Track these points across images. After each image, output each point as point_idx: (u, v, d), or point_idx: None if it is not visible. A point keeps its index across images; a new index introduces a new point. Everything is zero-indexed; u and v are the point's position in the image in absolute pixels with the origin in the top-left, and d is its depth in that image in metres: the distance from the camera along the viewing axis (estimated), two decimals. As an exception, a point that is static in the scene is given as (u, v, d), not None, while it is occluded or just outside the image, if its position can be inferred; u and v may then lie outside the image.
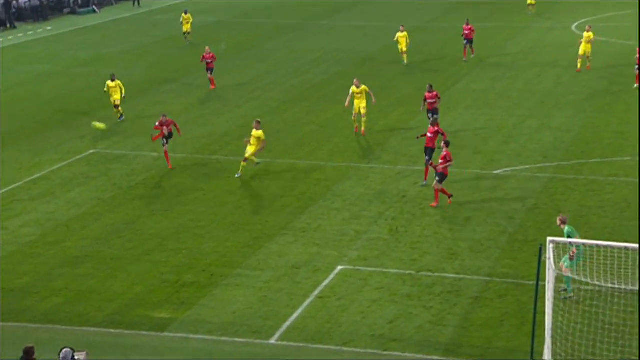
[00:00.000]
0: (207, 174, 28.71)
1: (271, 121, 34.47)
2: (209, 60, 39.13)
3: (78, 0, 65.52)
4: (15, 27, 57.81)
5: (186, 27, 50.16)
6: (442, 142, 25.42)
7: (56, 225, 24.89)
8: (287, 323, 19.20)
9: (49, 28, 58.33)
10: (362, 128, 32.13)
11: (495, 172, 28.17)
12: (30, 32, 56.67)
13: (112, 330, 19.11)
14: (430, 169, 26.12)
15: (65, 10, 64.22)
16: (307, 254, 22.55)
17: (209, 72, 39.43)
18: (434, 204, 25.16)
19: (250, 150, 27.90)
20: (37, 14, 61.18)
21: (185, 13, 50.52)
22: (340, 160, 29.76)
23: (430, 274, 21.35)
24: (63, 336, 18.70)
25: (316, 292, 20.51)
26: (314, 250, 22.79)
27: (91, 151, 31.44)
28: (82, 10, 64.50)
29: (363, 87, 31.82)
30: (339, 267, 21.79)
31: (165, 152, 29.00)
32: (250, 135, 28.15)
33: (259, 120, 28.32)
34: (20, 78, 43.69)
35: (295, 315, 19.48)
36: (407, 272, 21.46)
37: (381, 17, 57.71)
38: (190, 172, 28.83)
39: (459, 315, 19.36)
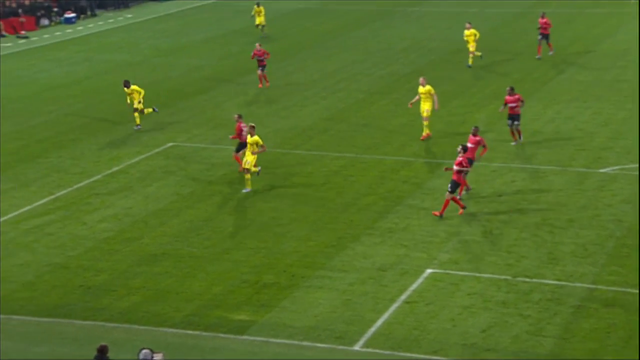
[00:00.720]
0: (289, 169, 28.47)
1: (357, 114, 34.08)
2: (261, 57, 37.91)
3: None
4: (95, 15, 58.59)
5: (259, 20, 49.41)
6: (460, 147, 24.19)
7: (134, 220, 24.95)
8: (372, 329, 18.80)
9: (129, 16, 58.97)
10: (423, 133, 30.41)
11: (601, 170, 27.26)
12: (110, 20, 57.37)
13: (190, 332, 19.01)
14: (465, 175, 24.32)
15: (148, -3, 64.81)
16: (394, 256, 22.10)
17: (261, 69, 38.12)
18: (438, 212, 23.92)
19: (249, 159, 26.24)
20: (118, 1, 61.88)
21: (257, 5, 49.71)
22: (431, 156, 29.20)
23: (527, 279, 20.68)
24: (140, 336, 18.68)
25: (403, 297, 20.07)
26: (402, 251, 22.33)
27: (170, 144, 31.51)
28: (162, -4, 64.98)
29: (428, 87, 30.09)
30: (428, 271, 21.29)
31: (236, 157, 27.97)
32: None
33: (253, 125, 26.67)
34: (100, 67, 44.19)
35: (381, 321, 19.07)
36: (502, 277, 20.83)
37: (476, 2, 56.73)
38: (271, 166, 28.63)
39: (560, 325, 18.68)
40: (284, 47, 46.38)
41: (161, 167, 28.99)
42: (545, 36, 41.01)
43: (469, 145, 25.08)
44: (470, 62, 40.41)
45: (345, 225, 24.05)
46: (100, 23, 56.60)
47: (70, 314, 19.84)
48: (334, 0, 61.02)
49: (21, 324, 19.51)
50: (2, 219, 25.02)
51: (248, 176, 26.46)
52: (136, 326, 19.24)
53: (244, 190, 26.42)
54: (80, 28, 54.72)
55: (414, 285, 20.56)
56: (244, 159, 26.43)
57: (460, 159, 24.04)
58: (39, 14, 55.36)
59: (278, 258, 22.32)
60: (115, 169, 28.92)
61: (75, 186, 27.57)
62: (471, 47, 40.23)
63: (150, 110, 33.08)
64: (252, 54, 38.24)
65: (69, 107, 36.71)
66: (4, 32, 51.74)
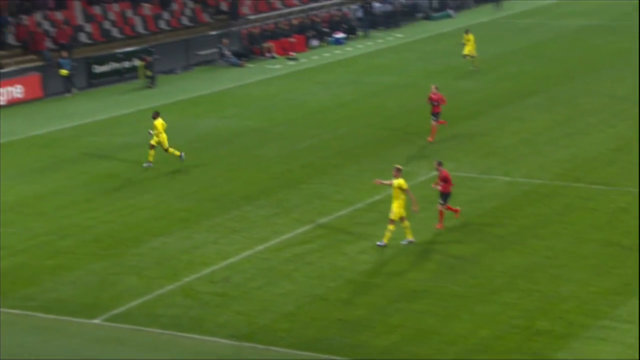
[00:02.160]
0: (568, 205, 27.23)
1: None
2: (436, 103, 33.93)
3: (433, 4, 66.15)
4: (365, 35, 59.43)
5: (467, 49, 46.84)
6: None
7: (395, 253, 24.64)
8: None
9: (399, 35, 59.36)
10: None
11: None
12: (380, 40, 58.00)
13: (453, 379, 18.35)
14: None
15: (418, 15, 65.03)
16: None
17: (434, 117, 34.05)
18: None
19: (395, 210, 24.62)
20: (388, 20, 62.40)
21: (467, 33, 47.18)
22: None
23: None
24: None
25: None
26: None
27: (435, 172, 30.99)
28: (436, 15, 65.00)
29: None
30: None
31: (440, 211, 26.08)
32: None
33: (399, 167, 25.05)
34: (367, 90, 44.60)
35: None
36: None
37: None
38: (548, 201, 27.49)
39: None
40: (566, 68, 44.82)
41: (425, 197, 28.51)
42: None
43: None
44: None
45: (633, 271, 22.51)
46: (369, 43, 57.33)
47: (329, 349, 19.74)
48: (626, 15, 58.45)
49: (279, 356, 19.64)
50: (263, 245, 25.48)
51: (408, 231, 24.91)
52: (396, 368, 18.85)
53: (402, 242, 24.96)
54: (349, 49, 55.69)
55: None
56: (392, 210, 24.70)
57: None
58: (308, 34, 56.88)
59: (553, 303, 21.20)
60: (377, 197, 28.77)
61: (337, 214, 27.68)
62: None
63: (178, 154, 32.20)
64: (427, 97, 34.41)
65: (334, 131, 37.19)
66: (275, 54, 53.53)
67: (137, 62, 47.50)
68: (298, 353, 19.67)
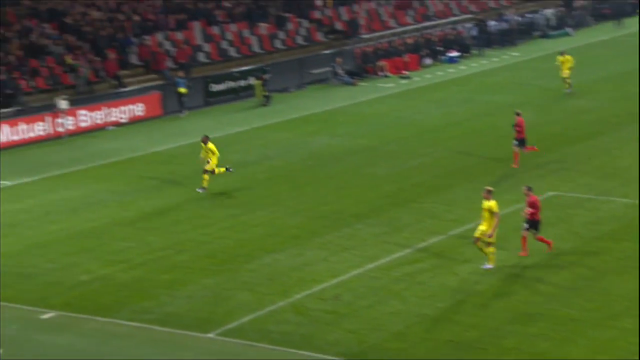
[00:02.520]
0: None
1: None
2: (519, 128, 33.15)
3: (550, 22, 65.19)
4: (480, 54, 58.99)
5: (564, 72, 45.18)
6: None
7: (506, 275, 24.32)
8: None
9: (515, 54, 58.72)
10: None
11: None
12: (495, 59, 57.49)
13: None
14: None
15: (535, 34, 64.18)
16: None
17: (517, 143, 33.26)
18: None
19: (482, 229, 24.23)
20: (504, 39, 61.78)
21: (562, 54, 45.61)
22: None
23: None
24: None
25: None
26: None
27: (551, 193, 30.53)
28: (554, 33, 64.05)
29: None
30: None
31: (523, 237, 25.34)
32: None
33: (489, 188, 24.54)
34: (481, 109, 44.23)
35: None
36: None
37: None
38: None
39: None
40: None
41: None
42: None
43: None
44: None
45: None
46: (484, 62, 56.89)
47: (440, 371, 19.64)
48: None
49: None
50: (374, 264, 25.48)
51: (490, 249, 24.50)
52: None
53: (482, 266, 24.52)
54: (462, 67, 55.36)
55: None
56: (478, 227, 24.41)
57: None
58: (422, 53, 56.77)
59: (672, 329, 20.59)
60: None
61: (448, 234, 27.50)
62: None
63: (223, 170, 31.74)
64: (514, 123, 33.36)
65: (446, 150, 36.98)
66: (388, 73, 53.60)
67: (252, 81, 48.17)
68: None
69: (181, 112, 44.97)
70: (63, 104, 40.11)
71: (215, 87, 47.60)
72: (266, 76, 47.61)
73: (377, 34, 57.89)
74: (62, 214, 30.08)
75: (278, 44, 54.87)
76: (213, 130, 41.19)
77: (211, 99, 47.14)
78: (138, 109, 43.50)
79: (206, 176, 31.76)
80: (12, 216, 29.85)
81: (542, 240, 25.36)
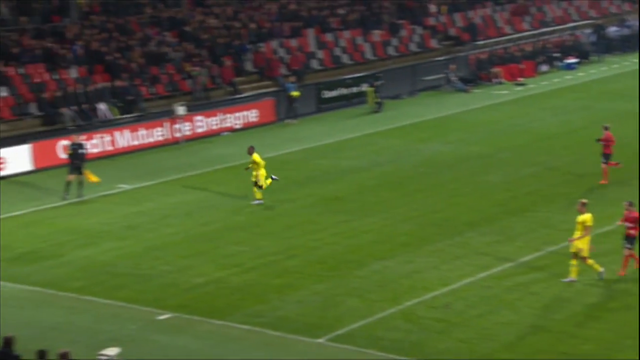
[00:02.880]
0: None
1: None
2: (606, 143, 32.25)
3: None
4: (600, 61, 57.86)
5: None
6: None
7: (625, 287, 23.87)
8: None
9: (636, 60, 57.35)
10: None
11: None
12: (615, 65, 56.31)
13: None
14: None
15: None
16: None
17: (604, 159, 32.40)
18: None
19: (580, 246, 23.57)
20: (625, 45, 60.42)
21: None
22: None
23: None
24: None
25: None
26: None
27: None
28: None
29: None
30: None
31: (625, 257, 24.56)
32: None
33: (584, 201, 24.12)
34: (599, 116, 43.24)
35: None
36: None
37: None
38: None
39: None
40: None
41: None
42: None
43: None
44: None
45: None
46: (603, 68, 55.80)
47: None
48: None
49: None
50: (486, 273, 25.27)
51: (574, 262, 23.90)
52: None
53: (563, 280, 23.98)
54: (580, 74, 54.41)
55: None
56: (573, 244, 23.83)
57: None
58: (538, 59, 56.01)
59: None
60: (607, 228, 27.88)
61: (563, 244, 27.01)
62: None
63: (269, 180, 31.17)
64: (601, 137, 32.48)
65: (561, 159, 36.41)
66: (502, 80, 53.07)
67: (364, 88, 48.31)
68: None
69: (294, 118, 45.34)
70: (181, 110, 40.98)
71: (328, 94, 47.90)
72: (378, 83, 47.69)
73: (492, 40, 57.36)
74: (178, 217, 30.72)
75: (391, 51, 54.88)
76: (325, 137, 41.53)
77: (323, 105, 47.46)
78: (252, 115, 44.11)
79: (256, 189, 31.56)
80: (131, 219, 30.63)
81: (632, 256, 24.63)
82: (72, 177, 32.71)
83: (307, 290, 24.48)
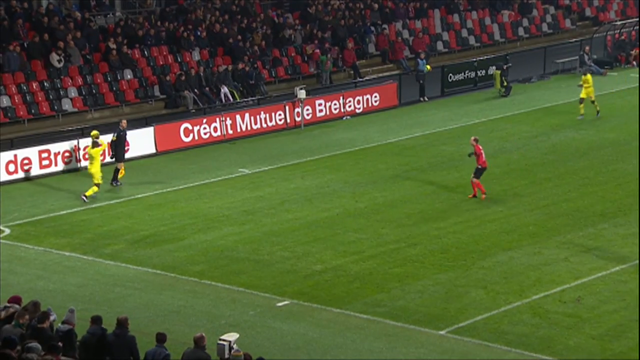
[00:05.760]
0: None
1: None
2: (477, 155, 30.25)
3: None
4: None
5: (584, 92, 39.49)
6: None
7: None
8: None
9: None
10: None
11: None
12: None
13: None
14: None
15: None
16: None
17: (475, 174, 30.44)
18: None
19: None
20: None
21: (584, 73, 40.43)
22: None
23: None
24: None
25: None
26: None
27: None
28: None
29: None
30: None
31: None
32: None
33: None
34: None
35: None
36: None
37: None
38: None
39: None
40: None
41: None
42: None
43: None
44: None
45: None
46: None
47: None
48: None
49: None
50: (620, 266, 24.70)
51: None
52: None
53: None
54: None
55: None
56: None
57: None
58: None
59: None
60: None
61: None
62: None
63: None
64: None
65: (703, 147, 35.16)
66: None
67: (492, 71, 47.62)
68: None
69: (422, 98, 45.01)
70: (302, 93, 41.14)
71: (453, 77, 47.36)
72: (507, 66, 46.92)
73: (631, 20, 55.71)
74: (297, 202, 30.87)
75: (521, 32, 54.00)
76: (449, 122, 41.11)
77: (448, 89, 46.97)
78: (374, 99, 43.95)
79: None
80: (250, 204, 30.93)
81: None
82: (121, 165, 33.06)
83: (429, 280, 24.29)
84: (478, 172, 30.13)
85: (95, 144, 31.73)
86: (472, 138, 30.60)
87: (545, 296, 23.04)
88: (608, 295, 22.95)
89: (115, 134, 33.38)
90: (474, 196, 30.13)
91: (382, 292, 23.65)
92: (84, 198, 31.14)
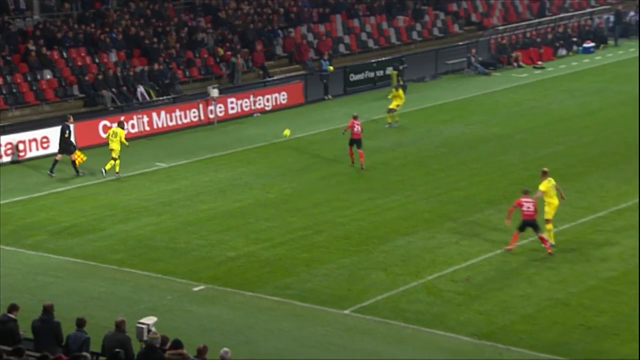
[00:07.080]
0: None
1: None
2: (352, 130, 31.82)
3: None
4: (618, 45, 57.22)
5: (394, 103, 39.20)
6: None
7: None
8: None
9: (651, 45, 56.74)
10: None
11: None
12: (632, 49, 55.69)
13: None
14: None
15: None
16: None
17: (355, 144, 32.28)
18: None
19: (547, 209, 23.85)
20: (641, 29, 59.68)
21: (396, 89, 39.43)
22: None
23: None
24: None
25: None
26: None
27: (684, 183, 29.53)
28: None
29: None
30: None
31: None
32: None
33: (545, 169, 24.33)
34: (615, 99, 43.04)
35: None
36: None
37: None
38: None
39: None
40: None
41: None
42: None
43: None
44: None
45: None
46: (620, 52, 55.22)
47: (569, 353, 19.33)
48: None
49: (520, 356, 19.39)
50: (504, 248, 25.20)
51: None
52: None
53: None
54: (598, 58, 53.88)
55: None
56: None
57: None
58: (557, 44, 55.52)
59: None
60: (623, 205, 27.73)
61: (579, 221, 26.93)
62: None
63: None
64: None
65: (579, 139, 36.17)
66: (522, 63, 52.66)
67: (389, 71, 48.09)
68: (539, 355, 19.32)
69: (326, 96, 45.19)
70: (214, 92, 41.00)
71: (354, 77, 47.70)
72: (403, 66, 47.43)
73: (511, 25, 56.88)
74: (212, 194, 30.81)
75: (415, 36, 54.61)
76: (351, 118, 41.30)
77: (350, 88, 47.28)
78: (282, 97, 44.04)
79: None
80: (167, 196, 30.76)
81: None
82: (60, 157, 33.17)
83: (334, 264, 24.52)
84: (351, 142, 32.48)
85: (121, 124, 33.20)
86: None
87: (438, 277, 23.48)
88: (494, 275, 23.50)
89: (61, 128, 33.17)
90: (352, 163, 32.42)
91: (291, 276, 23.81)
92: (103, 172, 32.03)
